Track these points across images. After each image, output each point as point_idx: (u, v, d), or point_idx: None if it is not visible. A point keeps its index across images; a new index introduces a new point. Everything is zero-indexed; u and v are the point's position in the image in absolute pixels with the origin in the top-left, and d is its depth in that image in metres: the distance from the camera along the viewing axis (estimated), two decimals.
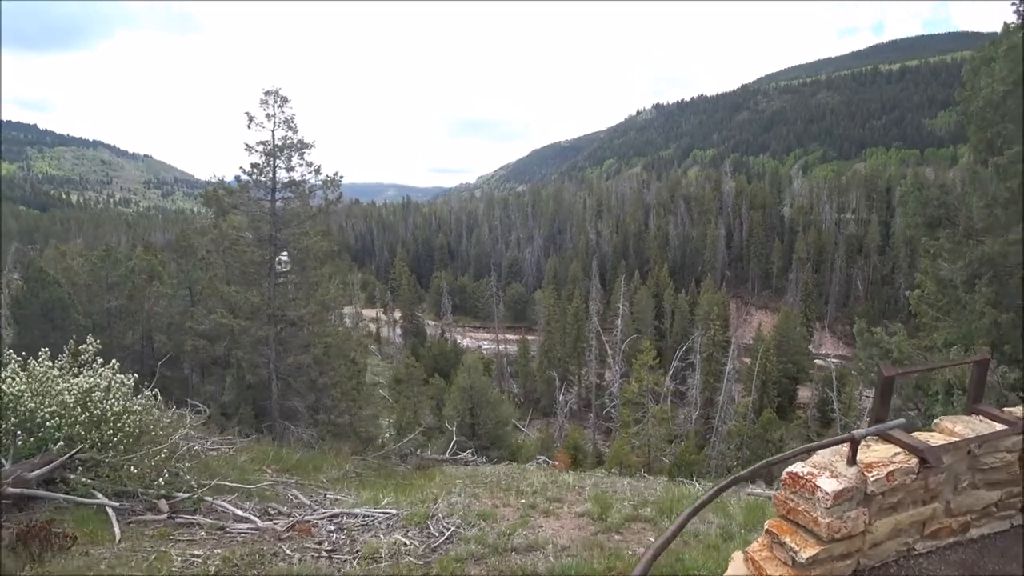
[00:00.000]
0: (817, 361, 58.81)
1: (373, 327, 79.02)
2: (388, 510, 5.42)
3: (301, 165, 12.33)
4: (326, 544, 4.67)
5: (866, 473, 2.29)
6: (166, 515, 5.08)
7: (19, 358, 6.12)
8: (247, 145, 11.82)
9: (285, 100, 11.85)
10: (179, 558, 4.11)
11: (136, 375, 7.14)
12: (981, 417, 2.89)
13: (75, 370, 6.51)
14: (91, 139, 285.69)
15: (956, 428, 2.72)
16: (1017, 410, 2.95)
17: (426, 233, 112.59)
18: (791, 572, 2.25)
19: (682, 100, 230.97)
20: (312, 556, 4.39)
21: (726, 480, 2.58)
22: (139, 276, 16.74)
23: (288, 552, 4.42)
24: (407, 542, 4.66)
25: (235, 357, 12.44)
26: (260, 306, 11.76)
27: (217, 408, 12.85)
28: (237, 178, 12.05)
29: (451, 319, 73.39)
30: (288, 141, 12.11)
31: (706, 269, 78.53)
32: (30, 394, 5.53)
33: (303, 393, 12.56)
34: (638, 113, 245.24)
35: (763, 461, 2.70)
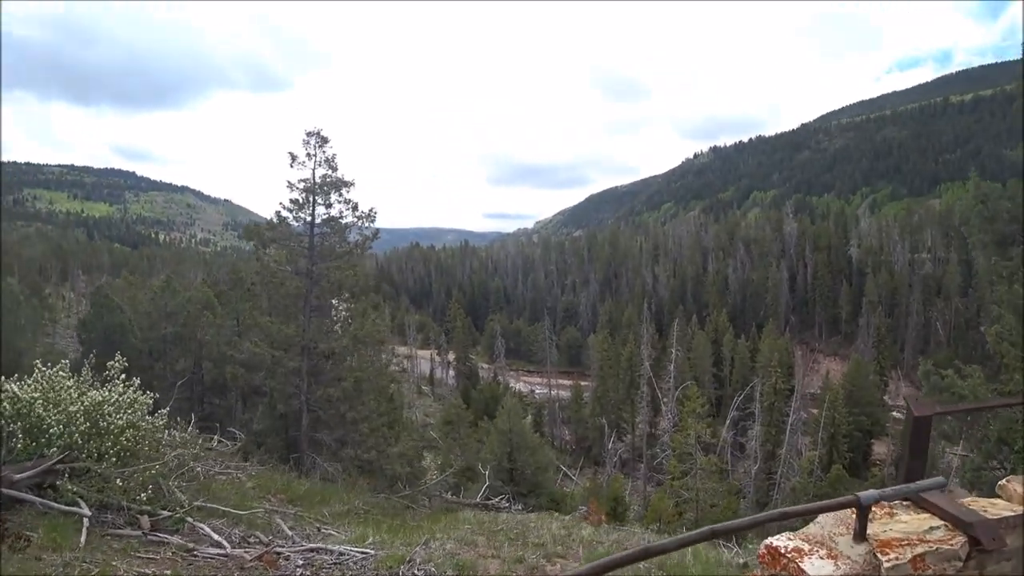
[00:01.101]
0: (894, 413, 54.00)
1: (427, 368, 79.92)
2: (366, 550, 5.13)
3: (339, 202, 12.75)
4: None
5: (880, 555, 1.64)
6: (144, 531, 5.01)
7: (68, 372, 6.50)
8: (289, 183, 12.39)
9: (325, 140, 12.41)
10: (125, 574, 3.99)
11: (174, 397, 7.30)
12: None
13: (95, 385, 6.71)
14: (179, 185, 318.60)
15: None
16: None
17: (482, 277, 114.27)
18: None
19: (740, 142, 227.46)
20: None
21: (697, 532, 2.02)
22: (194, 306, 17.70)
23: None
24: None
25: (268, 386, 12.66)
26: (293, 337, 12.01)
27: (251, 436, 13.03)
28: (278, 213, 12.59)
29: (504, 362, 73.09)
30: (328, 179, 12.59)
31: (768, 314, 74.89)
32: (43, 402, 5.70)
33: (332, 426, 12.56)
34: (695, 156, 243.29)
35: (749, 518, 2.11)
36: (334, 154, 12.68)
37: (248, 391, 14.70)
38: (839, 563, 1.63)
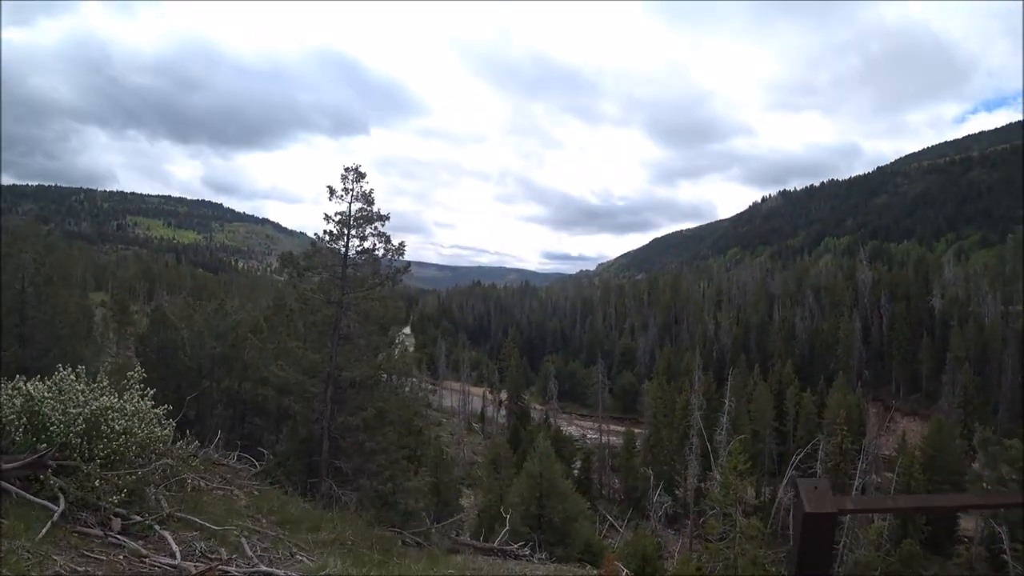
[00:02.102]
0: (986, 484, 48.33)
1: (479, 405, 79.91)
2: None
3: (373, 235, 13.23)
4: None
5: None
6: (106, 532, 5.20)
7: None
8: (326, 215, 13.02)
9: (362, 176, 13.01)
10: (61, 568, 4.15)
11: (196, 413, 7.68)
12: None
13: (109, 392, 7.12)
14: (260, 217, 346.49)
15: None
16: None
17: (540, 317, 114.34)
18: None
19: (811, 185, 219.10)
20: None
21: None
22: (243, 328, 18.71)
23: None
24: None
25: (293, 410, 13.02)
26: (319, 364, 12.37)
27: (275, 458, 13.34)
28: (313, 243, 13.20)
29: (556, 404, 71.94)
30: (363, 212, 13.13)
31: (839, 367, 70.00)
32: (52, 402, 6.13)
33: (350, 454, 12.69)
34: (763, 200, 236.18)
35: None
36: (371, 189, 13.27)
37: (280, 414, 15.17)
38: None
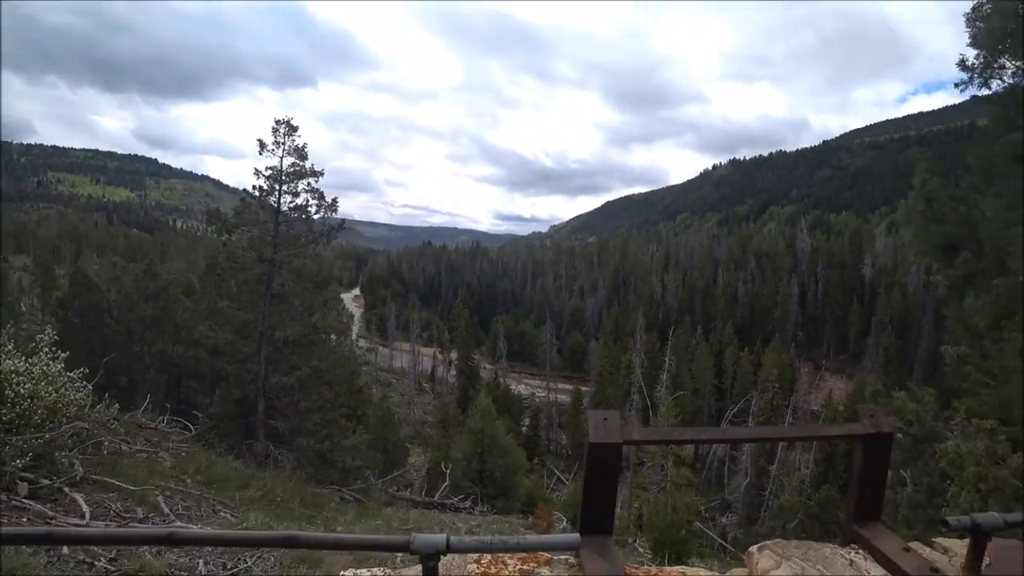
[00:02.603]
0: (899, 436, 52.67)
1: (430, 365, 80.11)
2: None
3: (306, 191, 12.78)
4: (113, 552, 4.40)
5: None
6: (15, 497, 5.06)
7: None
8: (256, 170, 12.45)
9: (294, 129, 12.46)
10: None
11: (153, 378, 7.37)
12: (854, 552, 1.91)
13: (16, 355, 6.78)
14: (199, 174, 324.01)
15: (765, 564, 1.78)
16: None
17: (491, 278, 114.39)
18: None
19: (760, 156, 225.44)
20: (82, 559, 4.17)
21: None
22: (174, 289, 17.89)
23: (66, 552, 4.22)
24: (186, 563, 4.33)
25: (225, 372, 12.71)
26: (251, 324, 12.05)
27: (209, 421, 13.08)
28: (242, 199, 12.65)
29: (507, 364, 72.91)
30: (296, 168, 12.63)
31: (775, 328, 73.97)
32: None
33: (286, 414, 12.57)
34: (714, 168, 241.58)
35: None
36: (304, 144, 12.77)
37: (215, 377, 14.78)
38: None
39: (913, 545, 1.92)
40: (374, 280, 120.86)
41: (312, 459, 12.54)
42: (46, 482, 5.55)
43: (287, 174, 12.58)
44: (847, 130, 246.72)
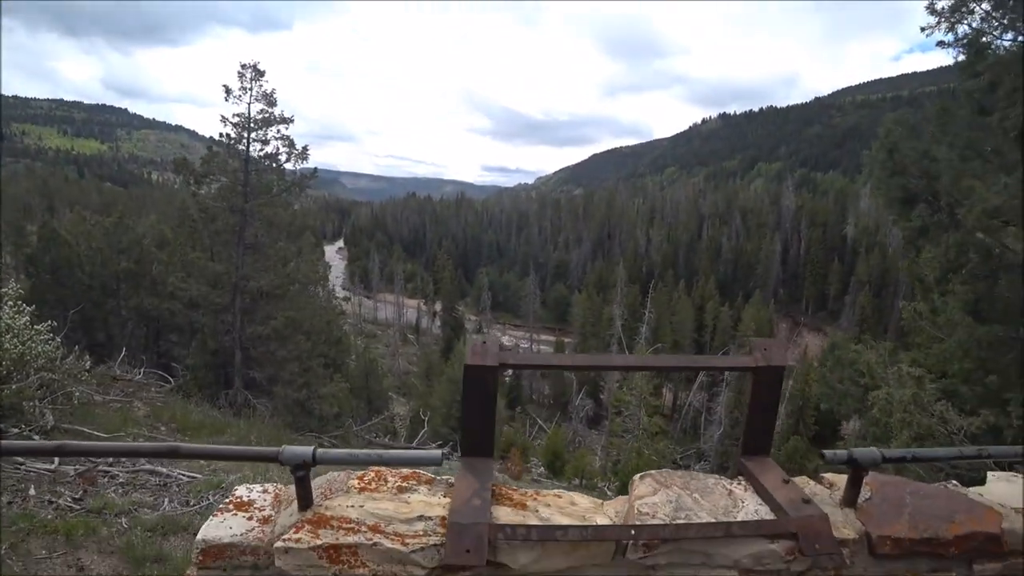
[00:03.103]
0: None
1: (414, 317, 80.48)
2: (196, 475, 5.24)
3: (276, 139, 12.45)
4: (79, 492, 4.56)
5: (306, 530, 1.46)
6: None
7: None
8: (223, 117, 12.07)
9: (261, 74, 12.00)
10: None
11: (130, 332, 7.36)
12: (737, 483, 1.92)
13: None
14: (173, 124, 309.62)
15: (643, 490, 1.76)
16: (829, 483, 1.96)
17: (476, 229, 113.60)
18: None
19: (750, 111, 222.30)
20: (47, 499, 4.32)
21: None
22: (147, 242, 17.55)
23: (32, 493, 4.36)
24: (150, 501, 4.50)
25: (200, 323, 12.70)
26: (223, 275, 11.96)
27: (187, 372, 13.16)
28: (210, 148, 12.29)
29: (491, 315, 73.54)
30: (264, 114, 12.25)
31: (757, 284, 75.11)
32: None
33: (263, 364, 12.68)
34: (703, 122, 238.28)
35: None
36: (272, 89, 12.34)
37: (192, 329, 14.76)
38: (259, 523, 1.53)
39: (800, 479, 2.03)
40: (357, 232, 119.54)
41: (290, 407, 12.76)
42: (15, 431, 5.64)
43: (255, 121, 12.21)
44: (840, 88, 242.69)
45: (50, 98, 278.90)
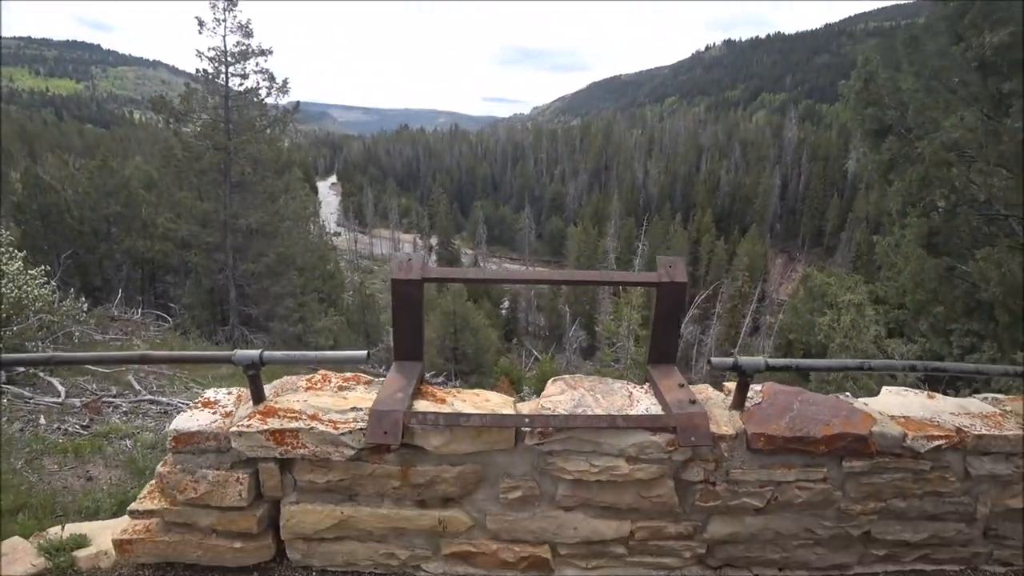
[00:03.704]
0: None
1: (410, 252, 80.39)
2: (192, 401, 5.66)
3: (256, 72, 12.19)
4: (86, 420, 4.96)
5: (256, 418, 1.79)
6: None
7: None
8: (198, 51, 11.76)
9: (234, 3, 11.58)
10: None
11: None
12: (641, 387, 2.16)
13: None
14: (151, 59, 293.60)
15: (551, 390, 2.07)
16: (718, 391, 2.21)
17: (471, 162, 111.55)
18: None
19: (756, 37, 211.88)
20: (56, 426, 4.71)
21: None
22: (134, 184, 17.43)
23: (43, 423, 4.74)
24: (152, 426, 4.91)
25: (193, 263, 12.93)
26: (212, 213, 12.07)
27: (184, 311, 13.53)
28: (187, 84, 12.04)
29: (486, 249, 73.67)
30: (241, 47, 11.93)
31: (754, 219, 74.75)
32: None
33: (258, 301, 13.02)
34: (707, 49, 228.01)
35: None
36: (248, 19, 11.93)
37: (187, 269, 15.00)
38: (221, 416, 1.84)
39: (700, 386, 2.29)
40: (350, 167, 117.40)
41: (287, 341, 13.23)
42: (21, 370, 5.98)
43: (232, 54, 11.91)
44: (854, 13, 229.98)
45: (15, 36, 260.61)
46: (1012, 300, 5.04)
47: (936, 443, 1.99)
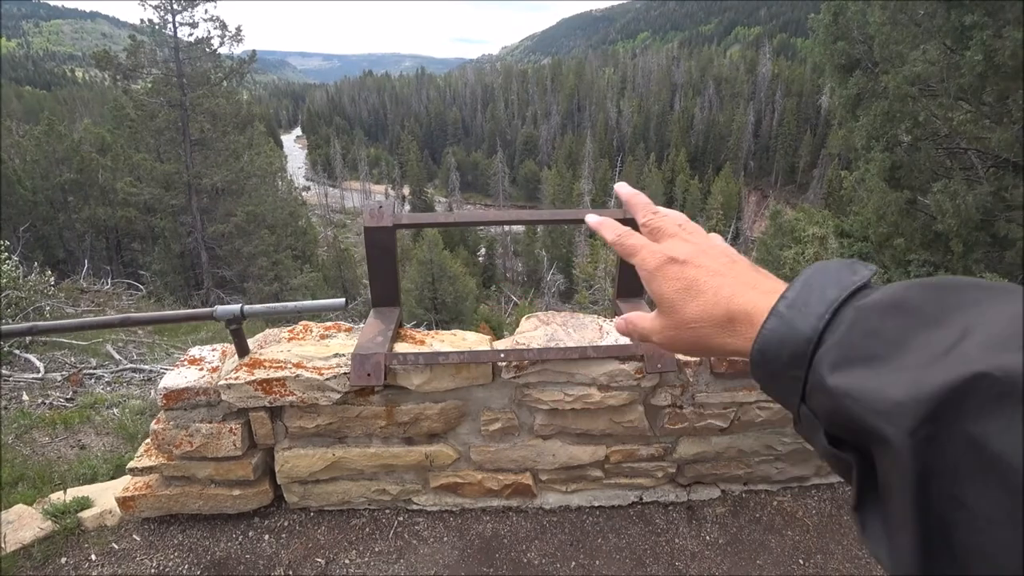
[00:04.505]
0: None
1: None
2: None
3: (205, 20, 11.48)
4: (70, 393, 4.96)
5: (242, 372, 1.84)
6: None
7: None
8: None
9: None
10: None
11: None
12: (613, 321, 2.30)
13: None
14: (88, 11, 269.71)
15: (525, 326, 2.14)
16: None
17: (440, 107, 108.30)
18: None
19: None
20: (40, 401, 4.71)
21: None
22: (86, 149, 16.51)
23: (25, 399, 4.74)
24: (137, 393, 4.94)
25: (159, 227, 12.57)
26: (173, 174, 11.64)
27: (156, 278, 13.25)
28: (132, 36, 11.31)
29: (460, 196, 72.72)
30: None
31: (728, 157, 74.77)
32: None
33: (230, 262, 12.80)
34: None
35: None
36: None
37: (154, 235, 14.55)
38: (208, 371, 1.89)
39: None
40: (314, 117, 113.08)
41: (264, 300, 13.09)
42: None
43: (179, 1, 11.17)
44: None
45: None
46: (966, 231, 5.23)
47: None
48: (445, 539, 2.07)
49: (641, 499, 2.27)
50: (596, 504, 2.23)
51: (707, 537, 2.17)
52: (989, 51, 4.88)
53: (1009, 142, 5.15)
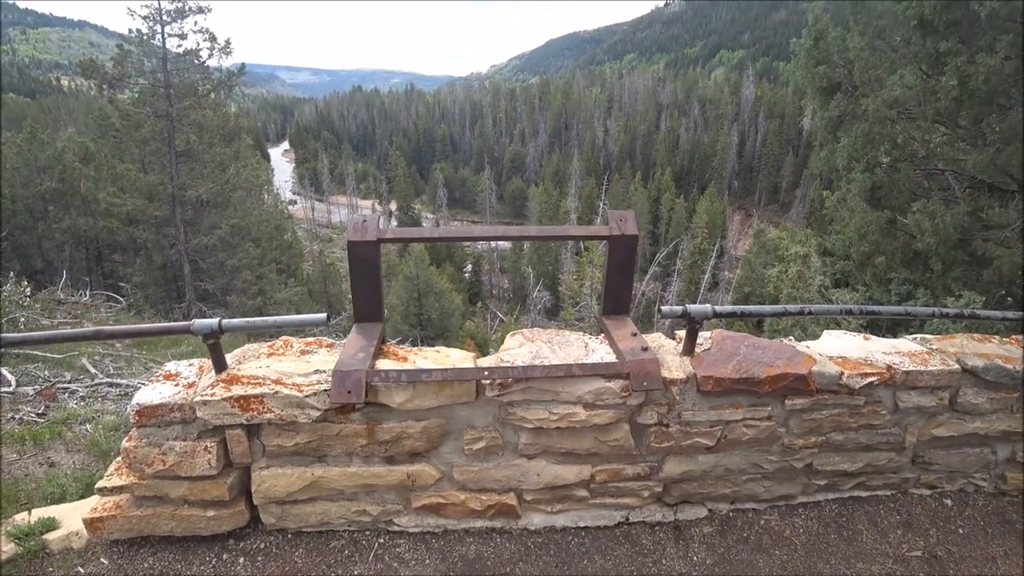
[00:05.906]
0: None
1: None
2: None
3: (195, 32, 11.46)
4: (41, 407, 4.82)
5: (220, 387, 1.79)
6: None
7: None
8: (129, 9, 10.93)
9: None
10: None
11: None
12: (597, 338, 2.20)
13: None
14: (76, 19, 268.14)
15: (509, 344, 2.13)
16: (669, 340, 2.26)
17: (428, 123, 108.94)
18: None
19: None
20: (10, 416, 4.56)
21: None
22: (69, 158, 16.31)
23: None
24: (112, 408, 4.81)
25: (142, 238, 12.38)
26: (157, 185, 11.50)
27: (136, 290, 13.02)
28: (120, 46, 11.25)
29: (447, 212, 72.81)
30: (177, 4, 11.16)
31: (712, 177, 76.03)
32: None
33: (214, 275, 12.62)
34: (666, 4, 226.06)
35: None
36: None
37: (136, 246, 14.30)
38: (184, 387, 1.86)
39: (653, 335, 2.37)
40: (303, 131, 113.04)
41: (246, 314, 12.89)
42: None
43: (168, 12, 11.14)
44: None
45: None
46: (944, 250, 5.35)
47: (869, 380, 2.14)
48: (427, 561, 2.02)
49: (627, 519, 2.23)
50: (582, 524, 2.19)
51: (695, 558, 2.14)
52: (963, 76, 5.07)
53: (984, 164, 5.32)
